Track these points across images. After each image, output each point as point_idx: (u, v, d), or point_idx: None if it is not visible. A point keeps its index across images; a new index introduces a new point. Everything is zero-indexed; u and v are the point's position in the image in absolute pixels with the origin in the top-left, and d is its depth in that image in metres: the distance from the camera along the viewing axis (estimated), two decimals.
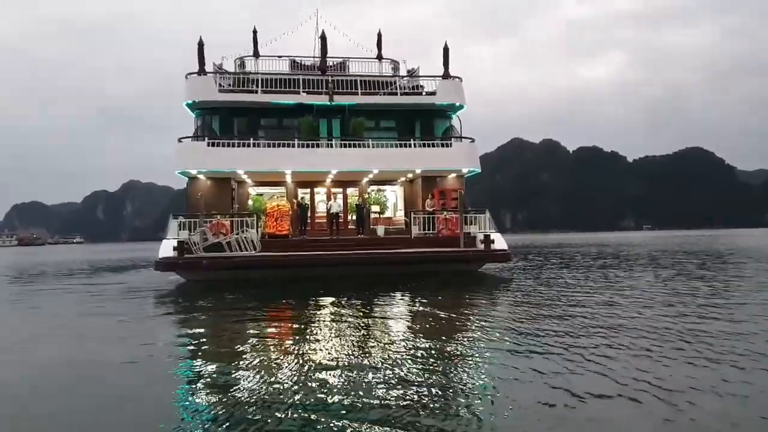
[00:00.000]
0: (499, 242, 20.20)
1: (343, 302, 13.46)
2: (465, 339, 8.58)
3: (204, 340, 9.22)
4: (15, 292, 18.89)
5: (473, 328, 9.57)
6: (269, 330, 10.14)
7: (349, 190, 26.29)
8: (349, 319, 10.84)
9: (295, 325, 10.50)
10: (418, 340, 8.58)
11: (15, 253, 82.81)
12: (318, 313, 11.91)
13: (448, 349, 7.85)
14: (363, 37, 28.75)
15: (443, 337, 8.64)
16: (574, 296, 13.56)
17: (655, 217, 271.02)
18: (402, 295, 14.65)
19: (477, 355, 7.49)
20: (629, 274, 19.84)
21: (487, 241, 19.60)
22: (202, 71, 22.90)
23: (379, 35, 28.78)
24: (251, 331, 10.00)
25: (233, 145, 22.14)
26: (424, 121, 25.48)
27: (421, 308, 12.23)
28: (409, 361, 7.12)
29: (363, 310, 12.21)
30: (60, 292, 18.55)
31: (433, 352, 7.68)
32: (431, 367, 6.80)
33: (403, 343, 8.37)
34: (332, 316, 11.30)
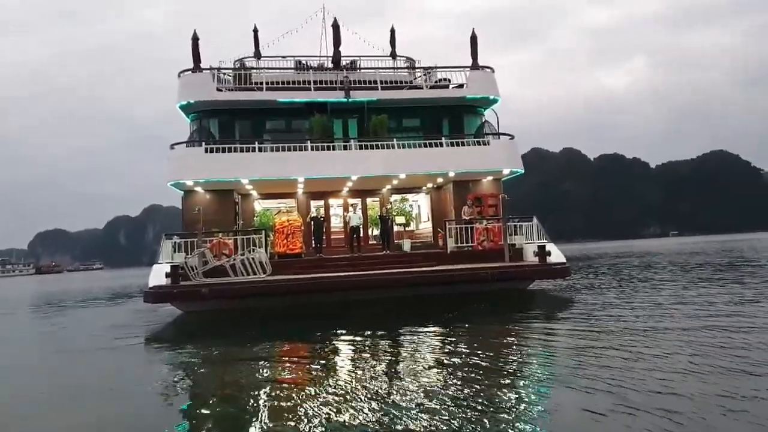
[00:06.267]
0: (556, 254, 16.72)
1: (372, 340, 10.34)
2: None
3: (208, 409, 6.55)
4: None
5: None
6: (285, 388, 7.13)
7: (368, 200, 23.06)
8: (380, 369, 7.77)
9: (317, 382, 7.34)
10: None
11: (28, 281, 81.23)
12: (347, 358, 8.97)
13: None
14: (375, 42, 25.62)
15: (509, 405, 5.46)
16: (672, 320, 10.08)
17: (680, 223, 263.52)
18: (449, 329, 11.29)
19: None
20: (715, 287, 16.22)
21: (543, 253, 16.11)
22: (197, 68, 19.91)
23: (392, 31, 25.46)
24: (265, 390, 7.07)
25: (235, 150, 19.02)
26: (453, 119, 22.20)
27: (484, 354, 8.84)
28: None
29: (400, 352, 9.00)
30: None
31: None
32: None
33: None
34: (363, 363, 8.27)
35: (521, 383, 6.72)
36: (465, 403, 5.93)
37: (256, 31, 25.28)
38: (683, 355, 7.54)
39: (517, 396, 6.19)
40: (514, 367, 7.59)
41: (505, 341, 9.69)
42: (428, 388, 6.63)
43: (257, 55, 24.52)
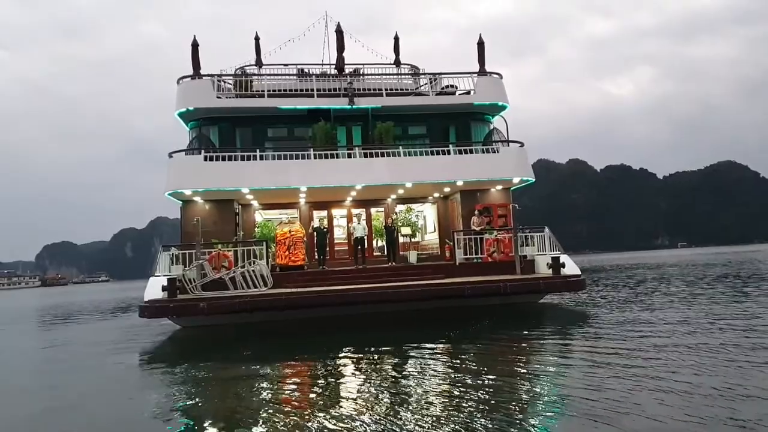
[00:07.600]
0: (570, 266, 15.93)
1: (377, 358, 9.67)
2: None
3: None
4: None
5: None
6: (287, 407, 6.66)
7: (373, 211, 22.36)
8: (384, 389, 7.12)
9: (319, 401, 6.72)
10: None
11: (28, 294, 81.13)
12: (350, 378, 8.32)
13: None
14: (379, 52, 24.97)
15: None
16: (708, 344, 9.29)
17: (689, 234, 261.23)
18: (458, 347, 10.58)
19: None
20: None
21: (557, 265, 15.33)
22: (197, 75, 19.36)
23: (396, 39, 24.86)
24: (265, 410, 6.61)
25: (235, 158, 18.40)
26: (460, 127, 21.50)
27: (495, 376, 8.11)
28: None
29: (405, 372, 8.28)
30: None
31: None
32: None
33: None
34: (366, 383, 7.68)
35: (534, 411, 5.98)
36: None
37: (257, 38, 24.71)
38: (720, 381, 6.76)
39: (528, 425, 5.45)
40: (525, 392, 6.84)
41: (517, 361, 8.96)
42: (434, 412, 6.01)
43: (258, 63, 23.94)
